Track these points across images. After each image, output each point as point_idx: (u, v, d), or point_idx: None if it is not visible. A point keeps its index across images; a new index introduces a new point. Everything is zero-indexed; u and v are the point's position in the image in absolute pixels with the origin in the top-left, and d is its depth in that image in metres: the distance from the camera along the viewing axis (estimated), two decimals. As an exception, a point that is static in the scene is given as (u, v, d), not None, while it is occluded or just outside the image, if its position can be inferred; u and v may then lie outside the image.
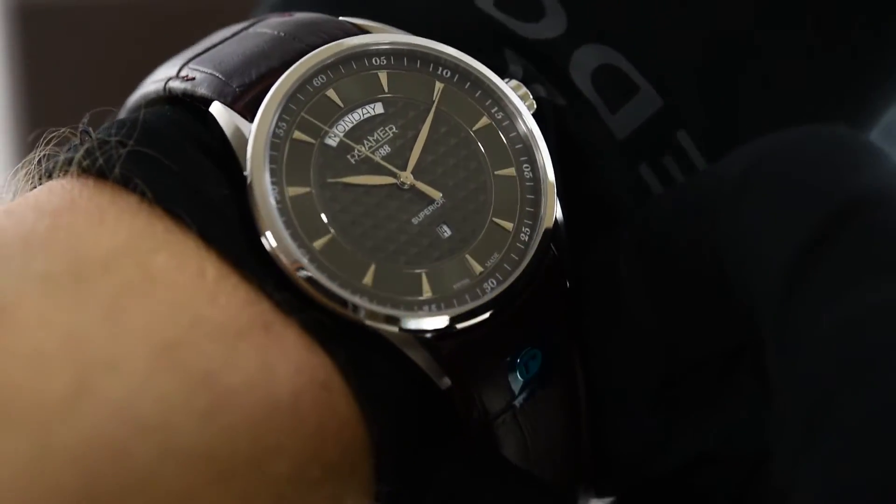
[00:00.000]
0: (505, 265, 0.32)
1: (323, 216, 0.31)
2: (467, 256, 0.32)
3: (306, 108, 0.32)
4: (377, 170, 0.32)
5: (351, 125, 0.33)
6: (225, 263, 0.29)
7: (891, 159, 0.28)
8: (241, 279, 0.29)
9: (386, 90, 0.33)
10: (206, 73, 0.33)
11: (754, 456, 0.33)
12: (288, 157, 0.32)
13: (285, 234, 0.30)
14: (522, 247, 0.32)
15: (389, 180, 0.32)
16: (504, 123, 0.34)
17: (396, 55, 0.34)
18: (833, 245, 0.26)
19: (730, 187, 0.29)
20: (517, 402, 0.32)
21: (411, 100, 0.34)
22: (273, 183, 0.31)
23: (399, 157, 0.33)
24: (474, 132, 0.34)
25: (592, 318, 0.33)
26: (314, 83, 0.33)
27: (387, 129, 0.33)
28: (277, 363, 0.28)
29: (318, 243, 0.31)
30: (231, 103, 0.32)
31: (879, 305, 0.25)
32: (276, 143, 0.32)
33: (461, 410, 0.31)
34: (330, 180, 0.32)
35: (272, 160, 0.31)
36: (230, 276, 0.29)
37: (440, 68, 0.34)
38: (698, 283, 0.30)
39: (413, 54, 0.34)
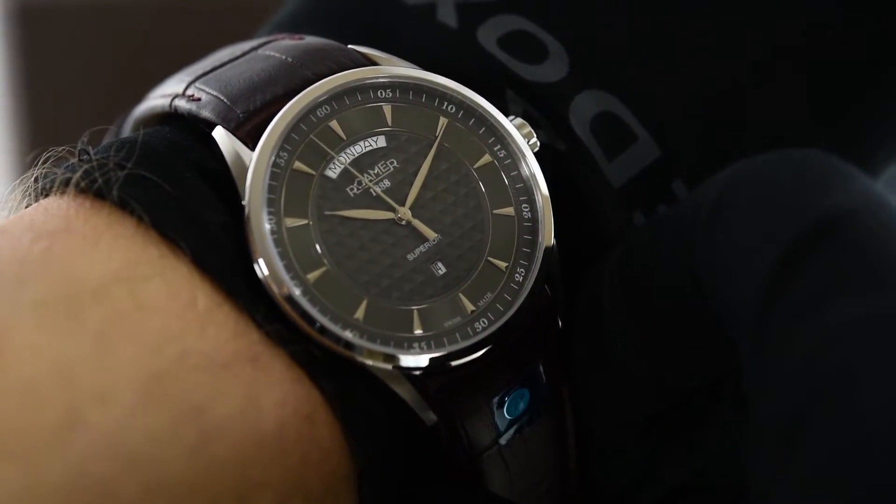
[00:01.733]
0: (498, 305, 0.32)
1: (318, 248, 0.31)
2: (460, 295, 0.32)
3: (308, 138, 0.32)
4: (375, 204, 0.32)
5: (352, 157, 0.33)
6: (217, 292, 0.29)
7: (862, 179, 0.28)
8: (232, 308, 0.29)
9: (390, 123, 0.33)
10: (212, 95, 0.33)
11: (738, 485, 0.33)
12: (287, 187, 0.32)
13: (278, 264, 0.30)
14: (516, 287, 0.32)
15: (387, 215, 0.32)
16: (506, 162, 0.34)
17: (402, 88, 0.34)
18: (804, 264, 0.26)
19: (705, 212, 0.29)
20: (503, 440, 0.32)
21: (414, 134, 0.34)
22: (270, 213, 0.31)
23: (398, 192, 0.33)
24: (476, 169, 0.34)
25: (580, 353, 0.33)
26: (318, 114, 0.33)
27: (388, 163, 0.33)
28: (263, 395, 0.28)
29: (312, 276, 0.31)
30: (234, 129, 0.32)
31: (849, 322, 0.25)
32: (276, 174, 0.32)
33: (447, 445, 0.31)
34: (327, 213, 0.32)
35: (271, 190, 0.31)
36: (222, 305, 0.29)
37: (445, 103, 0.34)
38: (681, 312, 0.30)
39: (419, 88, 0.34)
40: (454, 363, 0.31)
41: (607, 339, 0.32)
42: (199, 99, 0.33)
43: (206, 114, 0.33)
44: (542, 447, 0.33)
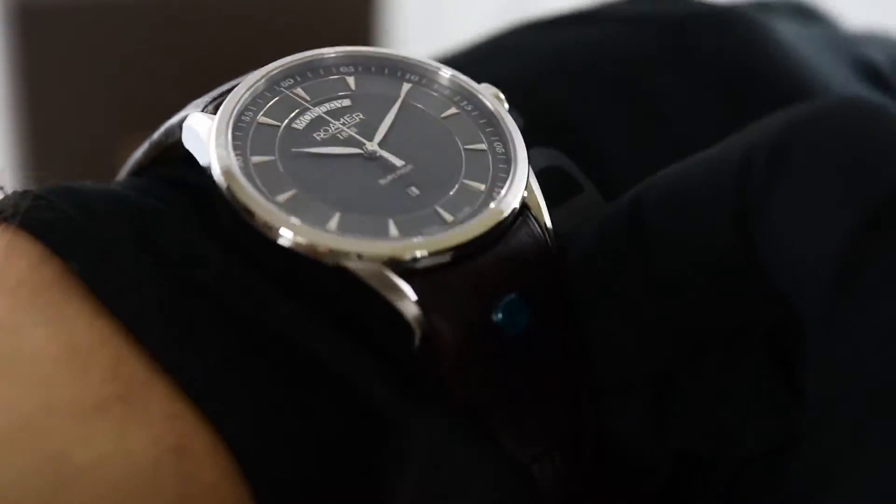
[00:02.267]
0: (479, 217, 0.32)
1: (287, 177, 0.31)
2: (438, 208, 0.32)
3: (273, 100, 0.33)
4: (343, 143, 0.33)
5: (318, 113, 0.33)
6: (106, 324, 0.29)
7: None
8: (119, 342, 0.29)
9: (353, 88, 0.34)
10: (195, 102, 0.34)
11: (745, 455, 0.32)
12: (253, 136, 0.32)
13: (248, 186, 0.30)
14: (496, 200, 0.32)
15: (355, 150, 0.33)
16: (473, 113, 0.34)
17: (364, 64, 0.35)
18: (886, 233, 0.25)
19: (763, 159, 0.28)
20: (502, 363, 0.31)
21: (380, 95, 0.34)
22: (237, 154, 0.31)
23: (365, 134, 0.33)
24: (443, 118, 0.34)
25: (588, 298, 0.32)
26: (282, 85, 0.34)
27: (354, 115, 0.34)
28: (133, 435, 0.28)
29: (282, 197, 0.31)
30: (202, 109, 0.33)
31: None
32: (242, 126, 0.32)
33: (435, 353, 0.30)
34: (294, 150, 0.32)
35: (236, 138, 0.32)
36: (109, 339, 0.29)
37: (408, 74, 0.35)
38: (713, 262, 0.29)
39: (381, 63, 0.35)
40: (437, 252, 0.30)
41: (617, 280, 0.31)
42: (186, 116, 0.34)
43: (182, 114, 0.33)
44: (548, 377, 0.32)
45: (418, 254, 0.30)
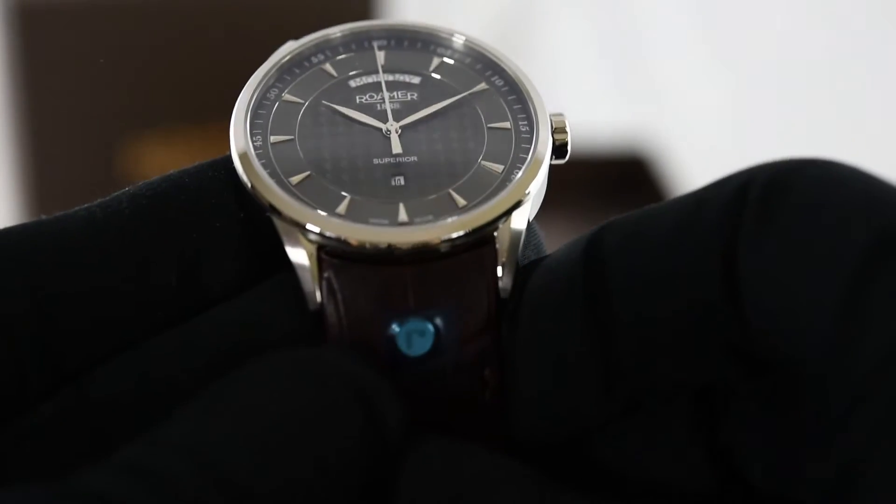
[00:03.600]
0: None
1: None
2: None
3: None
4: (376, 115, 0.34)
5: (380, 80, 0.35)
6: None
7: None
8: None
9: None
10: None
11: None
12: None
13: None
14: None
15: (377, 124, 0.34)
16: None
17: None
18: (884, 268, 0.26)
19: (754, 200, 0.28)
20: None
21: (445, 84, 0.35)
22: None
23: (398, 115, 0.34)
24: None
25: (521, 332, 0.31)
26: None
27: (410, 93, 0.35)
28: None
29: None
30: None
31: None
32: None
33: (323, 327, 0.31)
34: (325, 102, 0.34)
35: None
36: None
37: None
38: (687, 302, 0.29)
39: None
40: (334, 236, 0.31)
41: (560, 329, 0.30)
42: None
43: None
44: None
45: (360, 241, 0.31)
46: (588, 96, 1.45)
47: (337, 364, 0.29)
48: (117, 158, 1.16)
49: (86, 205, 0.32)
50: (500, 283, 0.31)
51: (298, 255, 0.31)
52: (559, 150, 0.34)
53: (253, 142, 0.33)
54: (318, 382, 0.28)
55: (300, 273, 0.31)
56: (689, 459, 0.32)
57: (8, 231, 0.31)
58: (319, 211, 0.31)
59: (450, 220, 0.31)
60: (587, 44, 1.50)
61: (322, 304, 0.31)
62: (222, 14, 1.16)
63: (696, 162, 1.30)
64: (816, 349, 0.27)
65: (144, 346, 0.31)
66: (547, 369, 0.30)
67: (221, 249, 0.32)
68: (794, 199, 0.28)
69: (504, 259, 0.31)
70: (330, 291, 0.31)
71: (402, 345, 0.31)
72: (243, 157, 0.32)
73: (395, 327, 0.31)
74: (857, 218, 0.27)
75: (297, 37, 0.36)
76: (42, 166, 1.15)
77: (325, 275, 0.31)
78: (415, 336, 0.31)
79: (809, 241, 0.27)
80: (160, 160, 1.16)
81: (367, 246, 0.31)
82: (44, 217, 0.32)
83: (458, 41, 0.36)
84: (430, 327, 0.31)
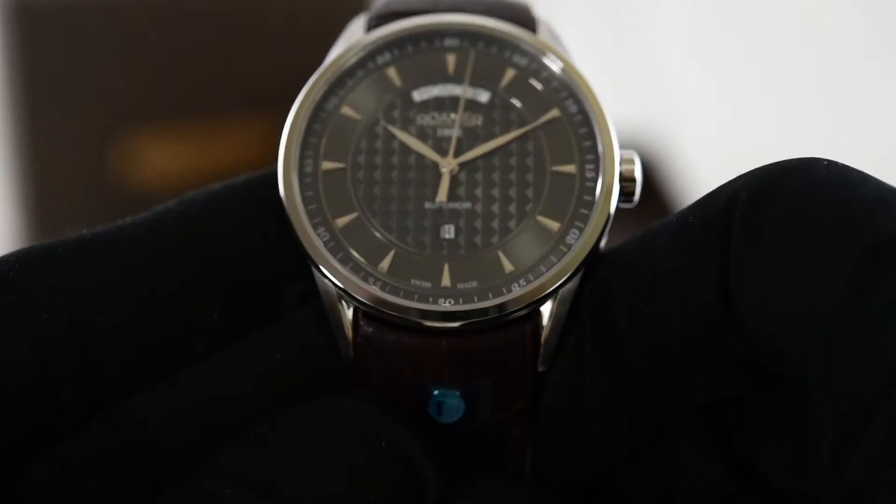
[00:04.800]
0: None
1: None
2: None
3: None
4: (433, 143, 0.32)
5: (445, 95, 0.33)
6: None
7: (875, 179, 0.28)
8: None
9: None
10: None
11: None
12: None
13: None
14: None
15: (433, 157, 0.32)
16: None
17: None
18: (883, 271, 0.26)
19: (739, 216, 0.28)
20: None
21: (515, 108, 0.33)
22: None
23: (459, 148, 0.32)
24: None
25: (550, 398, 0.31)
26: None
27: (474, 116, 0.32)
28: None
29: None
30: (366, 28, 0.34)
31: None
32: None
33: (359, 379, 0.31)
34: (382, 123, 0.32)
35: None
36: None
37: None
38: (693, 324, 0.29)
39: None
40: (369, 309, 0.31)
41: (585, 377, 0.31)
42: None
43: None
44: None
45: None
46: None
47: (381, 426, 0.29)
48: (115, 154, 1.16)
49: (130, 219, 0.31)
50: (539, 360, 0.31)
51: (335, 309, 0.31)
52: (626, 197, 0.32)
53: (303, 167, 0.31)
54: (366, 442, 0.29)
55: (334, 325, 0.31)
56: (711, 473, 0.32)
57: (48, 248, 0.30)
58: (358, 278, 0.30)
59: (491, 298, 0.30)
60: (587, 43, 1.50)
61: (354, 358, 0.31)
62: (222, 16, 1.16)
63: (696, 161, 1.30)
64: (814, 371, 0.27)
65: (181, 377, 0.31)
66: (570, 413, 0.31)
67: (266, 280, 0.31)
68: (775, 214, 0.28)
69: (545, 336, 0.31)
70: (364, 352, 0.30)
71: (432, 411, 0.31)
72: (288, 191, 0.31)
73: (426, 394, 0.30)
74: (840, 231, 0.27)
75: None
76: (40, 164, 1.15)
77: (360, 336, 0.30)
78: (446, 405, 0.31)
79: (795, 259, 0.27)
80: (158, 155, 1.16)
81: (404, 317, 0.30)
82: (86, 233, 0.30)
83: (536, 50, 0.33)
84: (462, 399, 0.31)
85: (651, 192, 1.29)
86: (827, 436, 0.26)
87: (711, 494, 0.32)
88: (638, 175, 0.32)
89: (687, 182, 1.29)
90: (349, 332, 0.30)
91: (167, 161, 1.16)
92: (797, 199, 0.28)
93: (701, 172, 1.28)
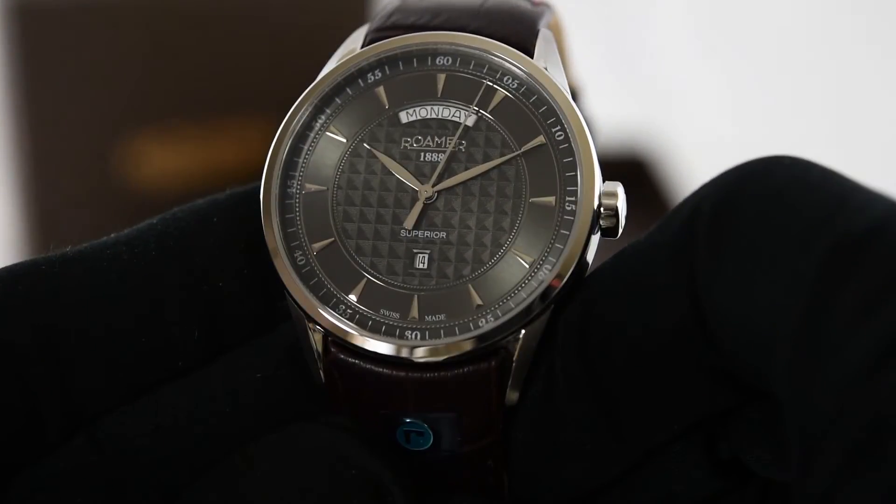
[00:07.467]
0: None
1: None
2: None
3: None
4: (413, 168, 0.32)
5: (432, 117, 0.32)
6: None
7: (841, 176, 0.28)
8: None
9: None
10: None
11: None
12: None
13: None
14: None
15: (412, 186, 0.32)
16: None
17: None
18: (851, 268, 0.26)
19: (703, 226, 0.28)
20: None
21: (506, 137, 0.32)
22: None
23: (441, 174, 0.32)
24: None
25: (525, 434, 0.31)
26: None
27: (461, 142, 0.32)
28: None
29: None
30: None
31: None
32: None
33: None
34: (367, 144, 0.32)
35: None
36: None
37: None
38: (669, 345, 0.29)
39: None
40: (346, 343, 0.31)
41: (559, 409, 0.30)
42: None
43: None
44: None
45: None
46: (588, 96, 1.45)
47: (350, 453, 0.29)
48: (116, 154, 1.16)
49: (114, 236, 0.31)
50: (507, 395, 0.31)
51: (305, 335, 0.31)
52: (607, 231, 0.32)
53: (286, 187, 0.31)
54: (336, 471, 0.29)
55: (305, 350, 0.31)
56: (699, 478, 0.32)
57: (30, 266, 0.30)
58: (327, 306, 0.30)
59: (458, 334, 0.30)
60: (587, 43, 1.50)
61: (324, 383, 0.31)
62: (222, 16, 1.16)
63: (696, 161, 1.30)
64: (779, 386, 0.27)
65: (162, 394, 0.31)
66: (546, 448, 0.31)
67: (247, 297, 0.31)
68: (735, 225, 0.27)
69: (514, 370, 0.30)
70: (333, 377, 0.31)
71: (400, 440, 0.31)
72: (266, 214, 0.31)
73: (395, 422, 0.31)
74: (799, 238, 0.26)
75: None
76: (40, 164, 1.15)
77: (329, 361, 0.31)
78: (413, 435, 0.31)
79: (756, 271, 0.27)
80: (159, 156, 1.16)
81: (371, 351, 0.30)
82: (69, 250, 0.31)
83: (528, 74, 0.32)
84: (429, 429, 0.31)
85: (651, 192, 1.29)
86: (794, 451, 0.26)
87: (701, 495, 0.32)
88: (621, 208, 0.31)
89: (687, 182, 1.29)
90: (319, 357, 0.31)
91: (168, 161, 1.16)
92: (755, 208, 0.27)
93: (701, 172, 1.28)
